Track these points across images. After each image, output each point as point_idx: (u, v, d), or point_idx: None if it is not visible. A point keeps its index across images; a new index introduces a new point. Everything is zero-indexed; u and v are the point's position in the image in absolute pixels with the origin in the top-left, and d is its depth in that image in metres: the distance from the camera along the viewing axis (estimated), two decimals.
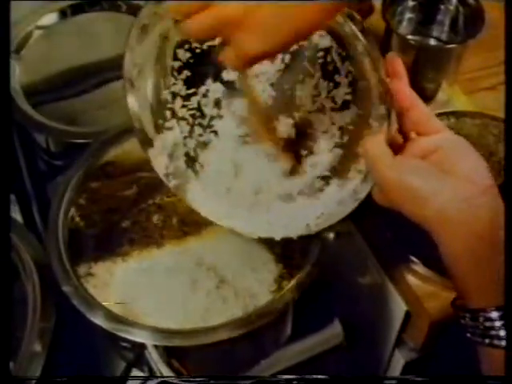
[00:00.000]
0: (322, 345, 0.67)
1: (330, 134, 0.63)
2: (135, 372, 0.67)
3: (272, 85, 0.64)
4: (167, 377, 0.62)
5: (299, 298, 0.63)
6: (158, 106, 0.65)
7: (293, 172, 0.65)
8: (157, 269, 0.73)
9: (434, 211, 0.48)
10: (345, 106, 0.61)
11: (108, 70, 0.86)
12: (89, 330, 0.65)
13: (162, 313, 0.68)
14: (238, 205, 0.65)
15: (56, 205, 0.70)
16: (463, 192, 0.48)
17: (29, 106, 0.82)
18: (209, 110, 0.66)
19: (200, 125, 0.66)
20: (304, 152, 0.65)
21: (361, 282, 0.72)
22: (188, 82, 0.64)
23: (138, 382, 0.64)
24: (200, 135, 0.66)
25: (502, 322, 0.46)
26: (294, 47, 0.61)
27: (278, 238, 0.63)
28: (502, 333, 0.46)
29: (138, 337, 0.61)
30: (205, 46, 0.63)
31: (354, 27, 0.54)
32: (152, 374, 0.63)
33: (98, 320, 0.61)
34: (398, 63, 0.54)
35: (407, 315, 0.65)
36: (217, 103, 0.65)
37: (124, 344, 0.65)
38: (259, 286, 0.70)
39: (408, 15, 0.78)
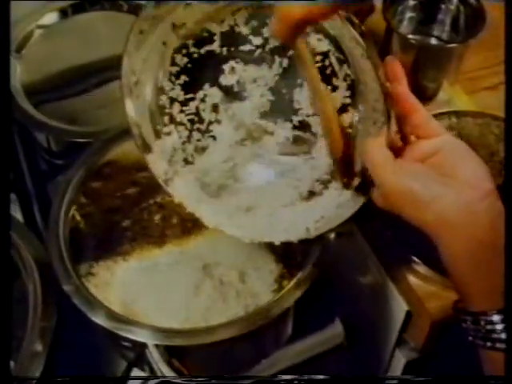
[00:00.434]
0: (322, 344, 0.67)
1: None
2: (136, 371, 0.68)
3: (270, 89, 0.64)
4: (168, 376, 0.62)
5: (300, 297, 0.63)
6: (156, 111, 0.64)
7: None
8: (158, 268, 0.73)
9: (434, 215, 0.48)
10: (343, 109, 0.61)
11: (109, 70, 0.86)
12: (90, 330, 0.65)
13: (163, 312, 0.68)
14: (237, 209, 0.65)
15: (57, 204, 0.70)
16: (463, 196, 0.48)
17: (30, 105, 0.82)
18: (207, 115, 0.65)
19: (198, 130, 0.66)
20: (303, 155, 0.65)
21: (362, 282, 0.72)
22: (186, 87, 0.64)
23: (139, 381, 0.64)
24: (198, 140, 0.66)
25: (503, 325, 0.46)
26: (291, 52, 0.61)
27: (277, 242, 0.63)
28: (504, 336, 0.46)
29: (138, 336, 0.61)
30: (202, 51, 0.63)
31: (352, 31, 0.54)
32: (153, 374, 0.63)
33: (99, 319, 0.61)
34: (397, 66, 0.53)
35: (408, 315, 0.65)
36: (215, 108, 0.65)
37: (125, 343, 0.65)
38: (260, 285, 0.70)
39: (409, 14, 0.78)
